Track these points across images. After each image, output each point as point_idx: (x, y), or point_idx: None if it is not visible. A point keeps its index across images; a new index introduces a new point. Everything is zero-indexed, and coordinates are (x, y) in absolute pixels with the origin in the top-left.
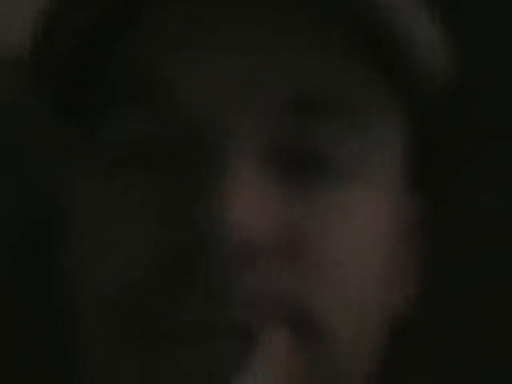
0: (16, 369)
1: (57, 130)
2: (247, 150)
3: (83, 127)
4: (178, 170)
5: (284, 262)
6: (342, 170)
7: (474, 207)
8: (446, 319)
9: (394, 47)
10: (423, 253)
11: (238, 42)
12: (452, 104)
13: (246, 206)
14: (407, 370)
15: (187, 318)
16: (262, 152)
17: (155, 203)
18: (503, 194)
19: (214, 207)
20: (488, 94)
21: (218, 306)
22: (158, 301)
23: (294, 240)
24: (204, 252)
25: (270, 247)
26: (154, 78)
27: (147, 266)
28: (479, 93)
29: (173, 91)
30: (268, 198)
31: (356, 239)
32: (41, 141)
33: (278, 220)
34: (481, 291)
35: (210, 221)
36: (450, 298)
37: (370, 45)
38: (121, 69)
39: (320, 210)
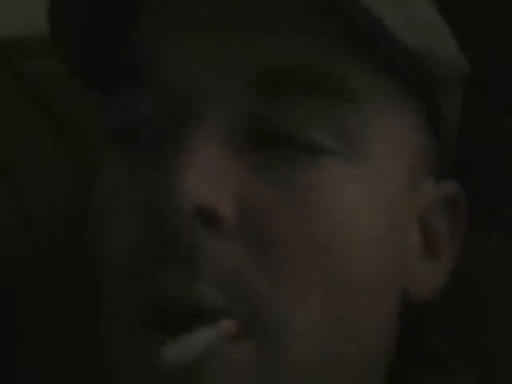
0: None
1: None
2: (212, 124)
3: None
4: (160, 147)
5: (249, 245)
6: (320, 149)
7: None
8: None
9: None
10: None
11: (214, 16)
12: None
13: (202, 176)
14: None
15: (163, 292)
16: (227, 127)
17: (144, 178)
18: None
19: (172, 179)
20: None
21: (183, 277)
22: (143, 274)
23: (255, 219)
24: (164, 223)
25: (232, 226)
26: (143, 54)
27: (137, 239)
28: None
29: (153, 65)
30: (229, 172)
31: (333, 220)
32: None
33: (238, 195)
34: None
35: (166, 192)
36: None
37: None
38: (124, 51)
39: (292, 192)
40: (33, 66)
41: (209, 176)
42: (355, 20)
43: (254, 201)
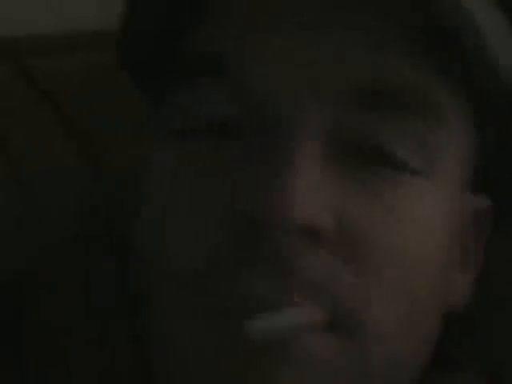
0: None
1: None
2: (313, 139)
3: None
4: (245, 148)
5: (342, 254)
6: (406, 165)
7: None
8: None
9: (467, 45)
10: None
11: (314, 26)
12: None
13: (309, 190)
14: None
15: (248, 292)
16: (328, 142)
17: (223, 178)
18: None
19: (276, 190)
20: None
21: (277, 285)
22: (224, 274)
23: (353, 234)
24: (259, 232)
25: (329, 238)
26: (228, 60)
27: (216, 239)
28: None
29: (244, 72)
30: (330, 189)
31: (415, 234)
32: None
33: (337, 212)
34: None
35: (271, 205)
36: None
37: (443, 42)
38: (197, 49)
39: (382, 205)
40: (43, 64)
41: (314, 190)
42: (461, 42)
43: (349, 214)
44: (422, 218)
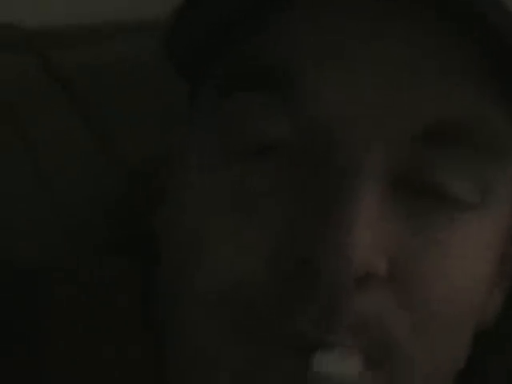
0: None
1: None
2: (375, 179)
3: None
4: (303, 176)
5: (392, 294)
6: (461, 203)
7: None
8: None
9: None
10: None
11: (388, 59)
12: None
13: (369, 240)
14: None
15: (292, 329)
16: (388, 182)
17: (278, 204)
18: None
19: (341, 237)
20: None
21: (324, 326)
22: (269, 305)
23: (405, 276)
24: (321, 277)
25: (382, 279)
26: (290, 77)
27: (264, 266)
28: None
29: (312, 99)
30: (385, 230)
31: (465, 271)
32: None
33: (393, 254)
34: None
35: (333, 250)
36: None
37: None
38: (258, 62)
39: (432, 242)
40: (64, 57)
41: (374, 236)
42: None
43: (403, 254)
44: (475, 257)
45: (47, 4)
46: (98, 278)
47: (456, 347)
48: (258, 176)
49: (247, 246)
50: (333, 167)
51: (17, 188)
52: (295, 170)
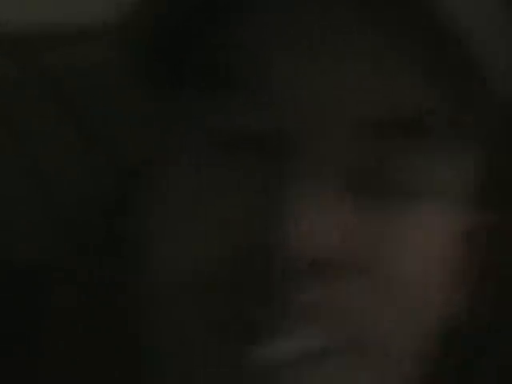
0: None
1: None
2: (328, 167)
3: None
4: (259, 165)
5: (353, 279)
6: (418, 192)
7: None
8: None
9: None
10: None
11: (343, 51)
12: None
13: (320, 226)
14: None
15: (246, 317)
16: (341, 169)
17: (236, 196)
18: None
19: (289, 223)
20: None
21: (277, 313)
22: (223, 291)
23: (364, 261)
24: (276, 264)
25: (341, 265)
26: (259, 73)
27: (217, 254)
28: None
29: (271, 91)
30: (342, 218)
31: (423, 257)
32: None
33: (351, 240)
34: None
35: (283, 238)
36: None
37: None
38: (228, 57)
39: (393, 232)
40: (57, 60)
41: (327, 226)
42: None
43: (357, 240)
44: (432, 243)
45: (33, 4)
46: (98, 277)
47: (422, 329)
48: (222, 168)
49: (203, 234)
50: (285, 156)
51: (16, 188)
52: (252, 160)
